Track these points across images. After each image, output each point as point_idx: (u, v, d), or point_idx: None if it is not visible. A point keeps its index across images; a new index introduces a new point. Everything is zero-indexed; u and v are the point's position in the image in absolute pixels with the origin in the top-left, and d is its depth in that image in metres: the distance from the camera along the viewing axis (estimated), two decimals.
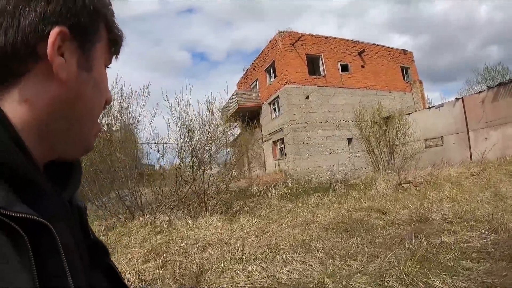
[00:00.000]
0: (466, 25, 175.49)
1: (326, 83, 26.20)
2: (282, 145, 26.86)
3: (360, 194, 13.52)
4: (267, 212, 12.57)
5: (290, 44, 25.48)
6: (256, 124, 31.07)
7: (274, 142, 28.13)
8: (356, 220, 9.31)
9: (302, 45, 25.90)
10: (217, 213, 11.94)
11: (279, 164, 26.84)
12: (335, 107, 25.95)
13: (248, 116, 31.13)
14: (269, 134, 28.58)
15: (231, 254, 7.02)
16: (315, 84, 25.91)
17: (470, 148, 22.36)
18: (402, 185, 13.76)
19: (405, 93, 29.76)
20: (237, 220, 10.99)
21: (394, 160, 23.19)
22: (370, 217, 9.59)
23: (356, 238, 7.42)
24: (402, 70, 30.50)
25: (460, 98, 23.09)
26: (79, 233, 0.77)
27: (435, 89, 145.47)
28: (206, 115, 13.92)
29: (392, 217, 9.02)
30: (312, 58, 26.66)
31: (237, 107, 29.37)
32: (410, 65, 31.11)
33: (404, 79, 30.58)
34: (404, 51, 30.96)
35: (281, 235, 8.47)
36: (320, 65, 26.80)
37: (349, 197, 13.27)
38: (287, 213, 11.86)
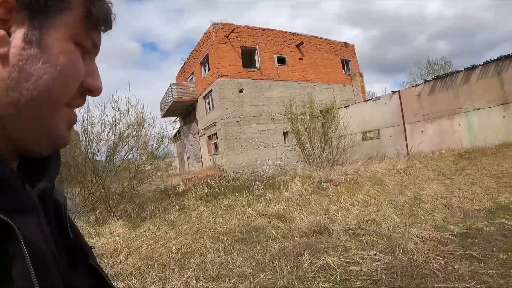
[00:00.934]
0: (417, 19, 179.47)
1: (261, 76, 24.78)
2: (216, 140, 25.21)
3: (275, 195, 12.06)
4: (176, 216, 11.16)
5: (224, 36, 23.88)
6: (193, 118, 29.54)
7: (209, 137, 26.42)
8: (253, 229, 8.05)
9: (237, 37, 24.43)
10: (121, 218, 10.81)
11: (214, 160, 25.26)
12: (270, 100, 24.59)
13: (186, 110, 29.79)
14: (204, 128, 26.85)
15: (109, 268, 6.22)
16: (250, 77, 24.44)
17: (406, 141, 21.51)
18: (322, 184, 12.42)
19: (345, 86, 28.76)
20: (140, 226, 9.89)
21: (332, 154, 22.37)
22: (270, 225, 8.30)
23: (238, 254, 6.26)
24: (342, 62, 29.45)
25: (396, 91, 22.18)
26: (54, 229, 0.66)
27: (386, 81, 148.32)
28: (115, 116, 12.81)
29: (291, 226, 7.73)
30: (248, 50, 25.13)
31: (172, 101, 27.82)
32: (351, 57, 30.09)
33: (344, 72, 29.50)
34: (346, 44, 29.92)
35: (171, 245, 7.31)
36: (256, 57, 25.29)
37: (262, 198, 11.79)
38: (194, 218, 10.52)
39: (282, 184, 13.85)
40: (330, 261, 5.06)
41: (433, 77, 20.21)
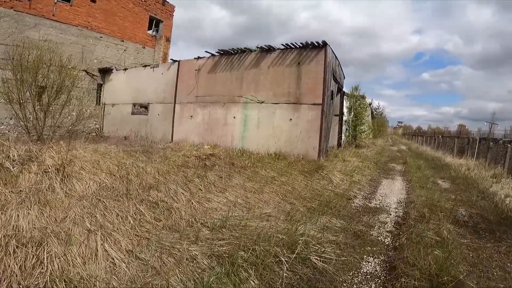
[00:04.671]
0: (284, 21, 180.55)
1: (29, 9, 15.96)
2: None
3: None
4: None
5: None
6: None
7: None
8: None
9: None
10: None
11: None
12: (30, 43, 15.36)
13: None
14: None
15: None
16: (12, 7, 15.47)
17: (173, 124, 14.58)
18: None
19: (144, 47, 20.89)
20: None
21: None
22: None
23: None
24: (151, 20, 21.26)
25: (177, 61, 14.87)
26: None
27: None
28: None
29: None
30: None
31: None
32: (166, 19, 22.19)
33: (152, 32, 21.42)
34: (164, 1, 21.81)
35: None
36: None
37: None
38: None
39: None
40: None
41: (217, 50, 13.07)
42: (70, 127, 13.48)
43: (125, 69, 17.77)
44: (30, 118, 12.41)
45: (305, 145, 11.07)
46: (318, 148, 10.90)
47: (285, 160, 9.91)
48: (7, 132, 15.02)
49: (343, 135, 17.37)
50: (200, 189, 6.49)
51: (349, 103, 19.44)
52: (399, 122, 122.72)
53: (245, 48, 12.45)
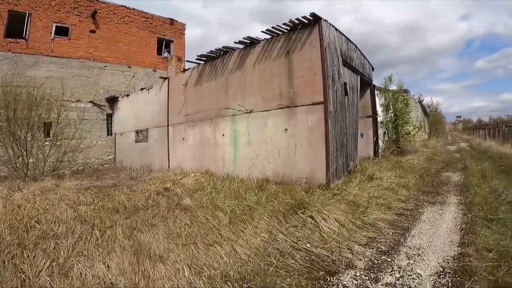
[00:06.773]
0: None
1: (26, 49, 14.72)
2: None
3: None
4: None
5: None
6: None
7: None
8: None
9: None
10: None
11: None
12: (31, 81, 13.63)
13: None
14: None
15: None
16: (10, 50, 14.36)
17: (168, 150, 11.89)
18: None
19: (155, 71, 18.64)
20: None
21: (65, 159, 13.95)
22: None
23: None
24: (160, 42, 19.10)
25: (167, 78, 12.35)
26: None
27: None
28: None
29: None
30: (17, 16, 14.70)
31: None
32: (177, 38, 19.88)
33: (161, 54, 19.20)
34: (172, 21, 19.57)
35: None
36: (26, 25, 14.88)
37: None
38: None
39: None
40: None
41: (197, 56, 10.22)
42: (56, 162, 11.82)
43: (127, 95, 15.74)
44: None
45: (308, 163, 7.54)
46: (325, 165, 7.29)
47: (266, 191, 6.52)
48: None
49: (379, 140, 13.35)
50: (79, 252, 3.75)
51: (384, 99, 15.26)
52: (457, 116, 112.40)
53: (224, 47, 9.43)
